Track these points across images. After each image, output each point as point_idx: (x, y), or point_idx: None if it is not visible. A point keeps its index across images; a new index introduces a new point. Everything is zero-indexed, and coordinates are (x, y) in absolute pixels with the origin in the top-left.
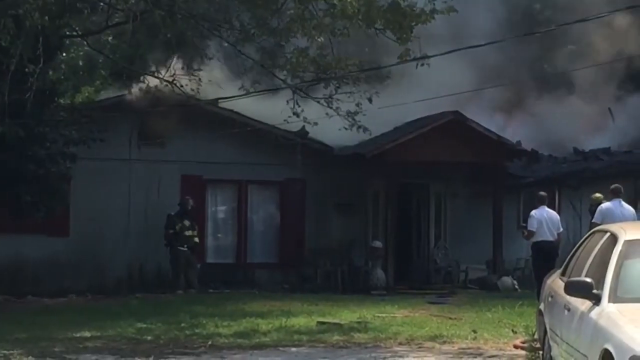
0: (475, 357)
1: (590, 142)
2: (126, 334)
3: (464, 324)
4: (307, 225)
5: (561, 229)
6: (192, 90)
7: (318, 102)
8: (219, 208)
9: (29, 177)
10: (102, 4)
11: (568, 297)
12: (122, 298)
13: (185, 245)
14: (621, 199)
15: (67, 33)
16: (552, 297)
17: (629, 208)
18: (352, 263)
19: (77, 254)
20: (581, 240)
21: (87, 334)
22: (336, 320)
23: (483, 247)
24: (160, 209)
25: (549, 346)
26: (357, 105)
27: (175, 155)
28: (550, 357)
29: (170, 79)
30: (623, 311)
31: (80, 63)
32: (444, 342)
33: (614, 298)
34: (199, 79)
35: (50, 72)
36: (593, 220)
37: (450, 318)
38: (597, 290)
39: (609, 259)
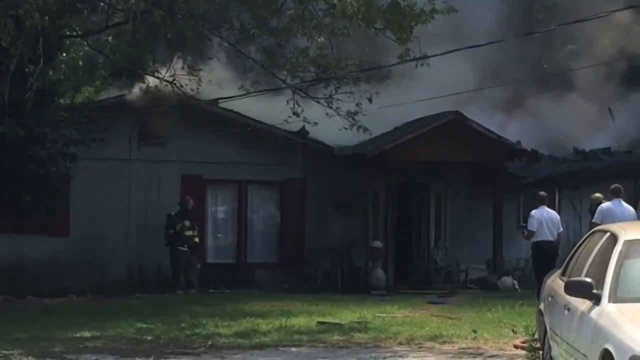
0: (476, 357)
1: (590, 142)
2: (126, 334)
3: (464, 324)
4: (307, 225)
5: (561, 229)
6: (192, 90)
7: (318, 102)
8: (219, 208)
9: (29, 177)
10: (102, 4)
11: (568, 297)
12: (122, 298)
13: (186, 245)
14: (621, 199)
15: (67, 33)
16: (552, 297)
17: (629, 208)
18: (352, 263)
19: (77, 254)
20: (581, 240)
21: (87, 334)
22: (336, 320)
23: (483, 247)
24: (161, 209)
25: (549, 346)
26: (357, 105)
27: (176, 155)
28: (551, 357)
29: (171, 79)
30: (623, 311)
31: (81, 63)
32: (444, 342)
33: (614, 298)
34: (199, 79)
35: (51, 72)
36: (593, 220)
37: (450, 318)
38: (597, 290)
39: (609, 258)
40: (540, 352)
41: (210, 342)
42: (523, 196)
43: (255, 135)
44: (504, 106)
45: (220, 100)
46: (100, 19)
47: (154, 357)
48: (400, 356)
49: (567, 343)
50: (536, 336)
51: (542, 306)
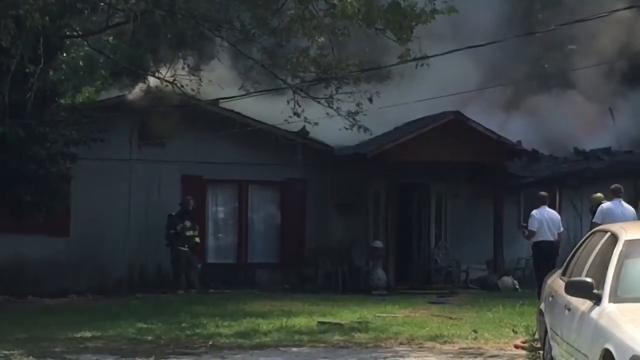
0: (476, 357)
1: (590, 142)
2: (127, 334)
3: (464, 324)
4: (308, 225)
5: (562, 229)
6: (193, 90)
7: (319, 102)
8: (219, 208)
9: (30, 177)
10: (102, 4)
11: (568, 297)
12: (122, 298)
13: (186, 246)
14: (621, 199)
15: (68, 33)
16: (552, 297)
17: (629, 208)
18: (353, 263)
19: (78, 254)
20: (582, 240)
21: (88, 334)
22: (337, 320)
23: (483, 247)
24: (161, 209)
25: (550, 346)
26: (358, 105)
27: (176, 156)
28: (551, 357)
29: (171, 79)
30: (623, 311)
31: (81, 63)
32: (445, 342)
33: (615, 298)
34: (200, 79)
35: (51, 73)
36: (593, 220)
37: (450, 318)
38: (598, 290)
39: (610, 258)
40: (541, 352)
41: (210, 342)
42: (523, 196)
43: (255, 136)
44: (504, 106)
45: (220, 101)
46: (100, 19)
47: (155, 357)
48: (401, 356)
49: (567, 343)
50: (537, 336)
51: (542, 306)
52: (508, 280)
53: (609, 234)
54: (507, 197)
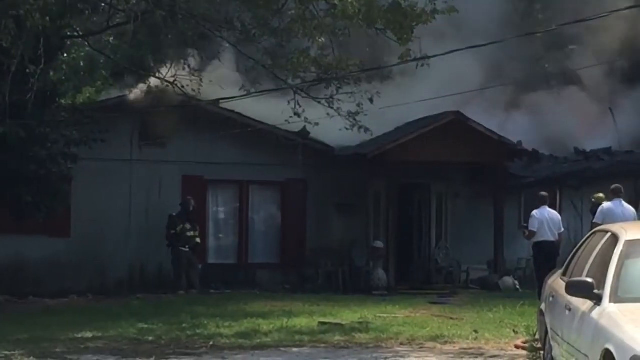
0: (477, 357)
1: (591, 142)
2: (127, 335)
3: (465, 324)
4: (308, 226)
5: (562, 229)
6: (193, 90)
7: (319, 102)
8: (220, 208)
9: (30, 178)
10: (103, 4)
11: (569, 297)
12: (123, 299)
13: (187, 246)
14: (622, 199)
15: (68, 34)
16: (553, 297)
17: (629, 208)
18: (353, 263)
19: (78, 254)
20: (582, 241)
21: (89, 335)
22: (337, 321)
23: (484, 247)
24: (162, 210)
25: (550, 346)
26: (358, 105)
27: (176, 156)
28: (552, 357)
29: (172, 80)
30: (624, 311)
31: (82, 63)
32: (446, 342)
33: (615, 298)
34: (200, 80)
35: (52, 73)
36: (594, 221)
37: (451, 318)
38: (598, 290)
39: (610, 259)
40: (542, 352)
41: (211, 343)
42: (524, 196)
43: (256, 136)
44: (504, 106)
45: (221, 101)
46: (101, 19)
47: (155, 357)
48: (401, 356)
49: (568, 343)
50: (537, 336)
51: (543, 306)
52: (509, 280)
53: (609, 234)
54: (507, 197)
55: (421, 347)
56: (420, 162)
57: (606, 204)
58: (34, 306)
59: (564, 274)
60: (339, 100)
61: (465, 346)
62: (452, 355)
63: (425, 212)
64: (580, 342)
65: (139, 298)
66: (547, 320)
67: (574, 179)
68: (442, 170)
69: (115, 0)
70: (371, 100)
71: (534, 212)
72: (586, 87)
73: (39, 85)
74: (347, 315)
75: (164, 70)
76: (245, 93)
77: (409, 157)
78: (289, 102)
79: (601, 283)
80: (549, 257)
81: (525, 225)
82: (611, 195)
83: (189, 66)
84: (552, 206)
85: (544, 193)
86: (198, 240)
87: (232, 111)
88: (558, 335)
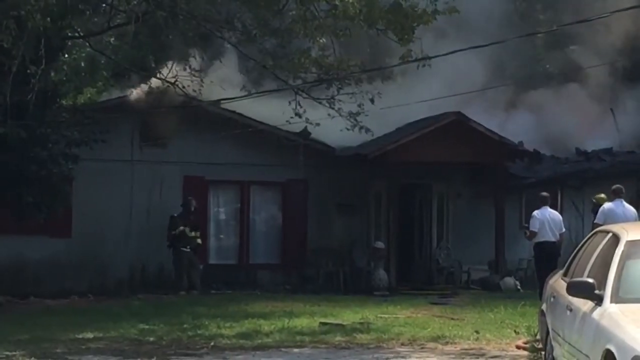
0: (478, 358)
1: (592, 142)
2: (128, 335)
3: (466, 325)
4: (309, 226)
5: (563, 230)
6: (194, 91)
7: (320, 103)
8: (221, 209)
9: (31, 178)
10: (104, 5)
11: (570, 298)
12: (124, 299)
13: (188, 246)
14: (623, 200)
15: (69, 34)
16: (554, 297)
17: (630, 208)
18: (354, 264)
19: (79, 254)
20: (583, 241)
21: (89, 335)
22: (338, 321)
23: (485, 248)
24: (162, 210)
25: (551, 347)
26: (359, 106)
27: (177, 156)
28: (553, 357)
29: (173, 80)
30: (625, 311)
31: (82, 64)
32: (447, 343)
33: (616, 298)
34: (201, 80)
35: (52, 74)
36: (595, 221)
37: (452, 319)
38: (599, 290)
39: (611, 259)
40: (543, 352)
41: (212, 343)
42: (525, 197)
43: (257, 136)
44: (505, 106)
45: (222, 101)
46: (102, 20)
47: (156, 358)
48: (402, 357)
49: (569, 343)
50: (538, 337)
51: (544, 307)
52: (510, 280)
53: (610, 234)
54: (508, 198)
55: (422, 348)
56: (421, 162)
57: (607, 205)
58: (35, 306)
59: (565, 275)
60: (340, 100)
61: (466, 347)
62: (453, 356)
63: (426, 212)
64: (581, 343)
65: (139, 298)
66: (548, 321)
67: (575, 180)
68: (443, 171)
69: (116, 0)
70: (372, 101)
71: (535, 213)
72: (587, 87)
73: (39, 86)
74: (348, 315)
75: (164, 71)
76: (246, 93)
77: (410, 157)
78: (290, 103)
79: (602, 283)
80: (550, 257)
81: (526, 225)
82: (612, 196)
83: (190, 67)
84: (553, 206)
85: (545, 193)
86: (199, 240)
87: (233, 112)
88: (559, 336)
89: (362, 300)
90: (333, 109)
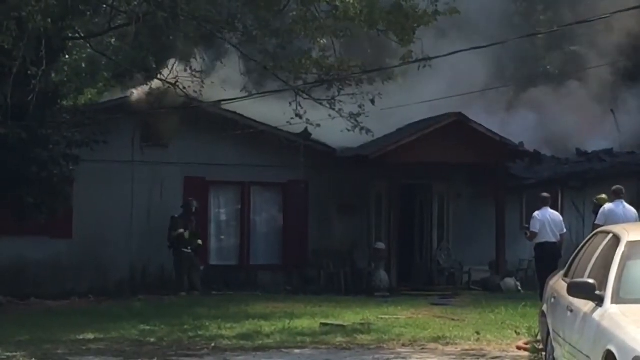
0: (478, 359)
1: (593, 143)
2: (129, 336)
3: (467, 326)
4: (310, 227)
5: (564, 230)
6: (195, 92)
7: (321, 104)
8: (221, 210)
9: (32, 179)
10: (104, 6)
11: (571, 299)
12: (125, 300)
13: (189, 247)
14: (623, 200)
15: (70, 35)
16: (555, 298)
17: (631, 209)
18: (355, 264)
19: (80, 255)
20: (584, 242)
21: (90, 336)
22: (339, 322)
23: (486, 249)
24: (163, 211)
25: (552, 347)
26: (360, 106)
27: (178, 157)
28: (553, 358)
29: (173, 81)
30: (626, 312)
31: (83, 65)
32: (447, 344)
33: (617, 299)
34: (202, 81)
35: (53, 74)
36: (596, 222)
37: (453, 319)
38: (600, 291)
39: (612, 260)
40: (543, 353)
41: (213, 344)
42: (526, 197)
43: (258, 137)
44: (506, 107)
45: (223, 102)
46: (102, 21)
47: (157, 359)
48: (403, 358)
49: (569, 344)
50: (539, 337)
51: (545, 307)
52: (510, 281)
53: (611, 235)
54: (509, 199)
55: (423, 349)
56: (422, 163)
57: (608, 205)
58: (36, 307)
59: (565, 275)
60: (341, 101)
61: (467, 347)
62: (453, 357)
63: (426, 213)
64: (582, 343)
65: (140, 299)
66: (549, 322)
67: (575, 180)
68: (444, 172)
69: (116, 1)
70: (372, 102)
71: (536, 213)
72: (588, 87)
73: (40, 87)
74: (349, 316)
75: (165, 72)
76: (246, 94)
77: (411, 158)
78: (290, 104)
79: (603, 284)
80: (550, 258)
81: (526, 226)
82: (612, 197)
83: (190, 67)
84: (554, 207)
85: (545, 194)
86: (200, 241)
87: (234, 112)
88: (560, 337)
89: (362, 301)
90: (334, 109)
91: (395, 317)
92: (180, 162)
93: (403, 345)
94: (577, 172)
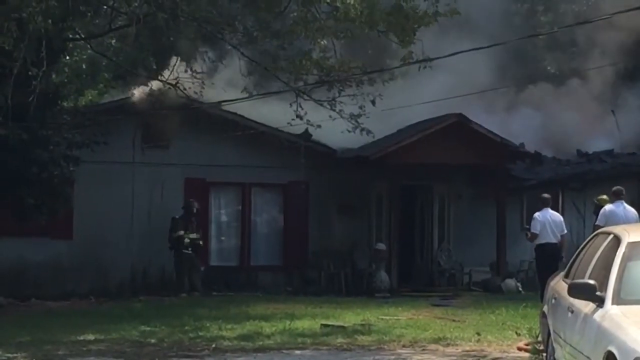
0: None
1: (593, 144)
2: (130, 337)
3: (467, 326)
4: (311, 228)
5: (565, 231)
6: (196, 93)
7: (321, 104)
8: (222, 211)
9: (32, 180)
10: (105, 7)
11: (571, 299)
12: (125, 301)
13: (189, 248)
14: (624, 201)
15: (71, 36)
16: (555, 299)
17: (631, 210)
18: (356, 265)
19: (80, 256)
20: (584, 243)
21: (91, 337)
22: (340, 323)
23: (486, 249)
24: (164, 212)
25: (553, 348)
26: (360, 107)
27: (179, 158)
28: (554, 359)
29: (174, 82)
30: (626, 313)
31: (84, 66)
32: (448, 345)
33: (617, 300)
34: (202, 82)
35: (54, 75)
36: (596, 223)
37: (454, 320)
38: (601, 292)
39: (612, 261)
40: (544, 354)
41: (213, 345)
42: (526, 198)
43: (258, 138)
44: (507, 107)
45: (223, 103)
46: (103, 22)
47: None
48: (403, 359)
49: (570, 345)
50: (540, 338)
51: (545, 308)
52: (511, 282)
53: (611, 236)
54: (510, 199)
55: (423, 350)
56: (422, 164)
57: (608, 206)
58: (36, 308)
59: (566, 276)
60: (341, 102)
61: (467, 348)
62: (454, 358)
63: (427, 214)
64: (583, 344)
65: (141, 300)
66: (550, 322)
67: (576, 181)
68: (444, 172)
69: (117, 3)
70: (373, 103)
71: (536, 214)
72: (589, 88)
73: (41, 88)
74: (350, 317)
75: (166, 73)
76: (247, 95)
77: (411, 159)
78: (291, 105)
79: (603, 285)
80: (551, 259)
81: (527, 227)
82: (613, 198)
83: (191, 68)
84: (555, 208)
85: (546, 195)
86: (200, 242)
87: (235, 113)
88: (560, 337)
89: (363, 302)
90: (334, 110)
91: (395, 318)
92: (180, 163)
93: (404, 346)
94: (578, 173)
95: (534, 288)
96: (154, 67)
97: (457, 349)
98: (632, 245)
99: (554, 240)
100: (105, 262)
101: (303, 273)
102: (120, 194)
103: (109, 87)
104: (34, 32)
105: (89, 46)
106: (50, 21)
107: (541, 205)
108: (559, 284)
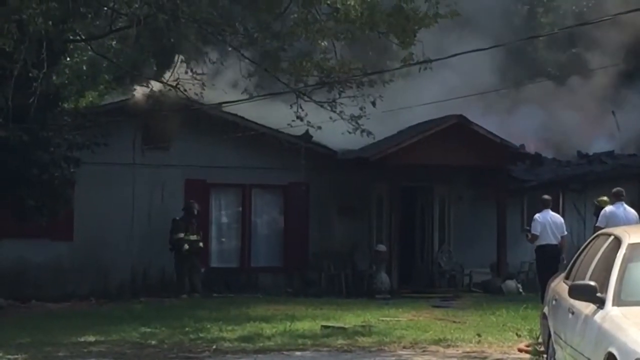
0: None
1: (594, 145)
2: (130, 339)
3: (468, 328)
4: (311, 229)
5: (565, 233)
6: (196, 94)
7: (322, 106)
8: (222, 212)
9: (33, 182)
10: (105, 8)
11: (572, 301)
12: (125, 302)
13: (190, 250)
14: (624, 202)
15: (71, 38)
16: (556, 300)
17: (632, 211)
18: (356, 267)
19: (81, 258)
20: (585, 244)
21: (91, 339)
22: (340, 324)
23: (487, 251)
24: (164, 213)
25: (553, 350)
26: (361, 109)
27: (179, 160)
28: None
29: (174, 83)
30: (627, 314)
31: (84, 68)
32: (448, 346)
33: (618, 301)
34: (203, 83)
35: (54, 77)
36: (597, 224)
37: (454, 321)
38: (601, 293)
39: (613, 262)
40: (545, 355)
41: (214, 347)
42: (527, 200)
43: (258, 139)
44: (507, 109)
45: (223, 104)
46: (103, 23)
47: None
48: None
49: (571, 347)
50: (540, 340)
51: (546, 310)
52: (512, 283)
53: (612, 237)
54: (510, 201)
55: (424, 351)
56: (423, 165)
57: (608, 208)
58: (37, 310)
59: (567, 278)
60: (342, 103)
61: (468, 349)
62: (455, 359)
63: (427, 215)
64: (583, 346)
65: (141, 302)
66: (550, 324)
67: (576, 182)
68: (445, 174)
69: (117, 4)
70: (373, 104)
71: (537, 216)
72: (589, 89)
73: (41, 89)
74: (350, 318)
75: (166, 74)
76: (247, 97)
77: (412, 160)
78: (291, 106)
79: (604, 286)
80: (551, 260)
81: (527, 228)
82: (613, 199)
83: (191, 70)
84: (555, 209)
85: (546, 196)
86: (201, 244)
87: (235, 115)
88: (561, 339)
89: (363, 303)
90: (335, 112)
91: (396, 319)
92: (181, 164)
93: (404, 347)
94: (578, 175)
95: (535, 289)
96: (155, 68)
97: (457, 350)
98: (632, 246)
99: (554, 242)
100: (105, 264)
101: (303, 274)
102: (120, 195)
103: (110, 89)
104: (34, 33)
105: (89, 47)
106: (50, 23)
107: (541, 206)
108: (559, 286)
